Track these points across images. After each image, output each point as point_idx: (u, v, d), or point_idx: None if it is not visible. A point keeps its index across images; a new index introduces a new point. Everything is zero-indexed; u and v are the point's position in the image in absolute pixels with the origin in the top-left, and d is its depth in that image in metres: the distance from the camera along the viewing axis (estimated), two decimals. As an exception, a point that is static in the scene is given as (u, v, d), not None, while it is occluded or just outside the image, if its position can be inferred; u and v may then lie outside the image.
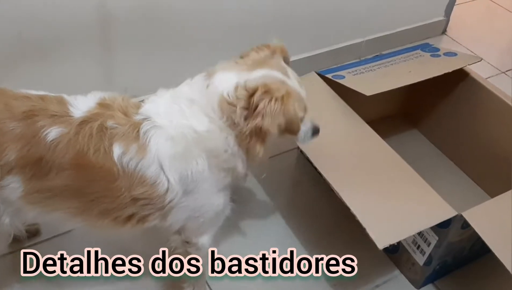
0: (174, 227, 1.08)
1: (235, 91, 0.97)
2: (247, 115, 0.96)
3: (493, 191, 1.40)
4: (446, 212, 1.14)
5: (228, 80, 0.99)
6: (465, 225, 1.13)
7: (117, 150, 0.96)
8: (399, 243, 1.27)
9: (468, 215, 1.12)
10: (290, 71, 1.06)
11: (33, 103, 0.98)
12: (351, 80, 1.42)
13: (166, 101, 1.03)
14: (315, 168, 1.22)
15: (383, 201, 1.16)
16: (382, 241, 1.06)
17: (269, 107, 0.94)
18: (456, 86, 1.56)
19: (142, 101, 1.05)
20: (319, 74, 1.46)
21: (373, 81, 1.42)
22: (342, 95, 1.40)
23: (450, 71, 1.44)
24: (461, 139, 1.61)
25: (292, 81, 1.04)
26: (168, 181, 0.98)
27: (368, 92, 1.33)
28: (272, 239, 1.37)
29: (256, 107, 0.95)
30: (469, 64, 1.50)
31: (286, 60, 1.10)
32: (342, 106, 1.37)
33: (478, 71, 1.58)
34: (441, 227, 1.17)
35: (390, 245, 1.07)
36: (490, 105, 1.48)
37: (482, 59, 1.55)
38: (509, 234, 1.13)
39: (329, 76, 1.45)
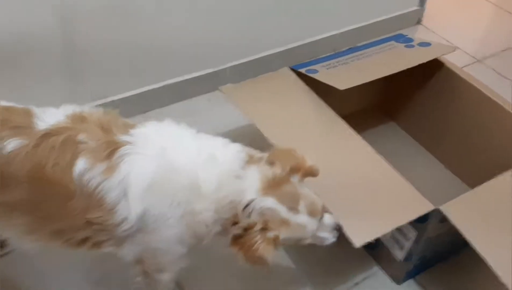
0: (130, 258, 1.00)
1: (244, 209, 0.92)
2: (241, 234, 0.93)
3: (472, 182, 1.38)
4: (423, 206, 1.12)
5: (250, 188, 0.93)
6: (444, 219, 1.11)
7: (80, 165, 0.89)
8: (378, 239, 1.24)
9: (446, 209, 1.10)
10: (303, 201, 0.97)
11: None
12: (324, 74, 1.39)
13: (176, 135, 0.96)
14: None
15: (360, 198, 1.14)
16: (359, 239, 1.04)
17: (261, 246, 0.91)
18: (431, 77, 1.54)
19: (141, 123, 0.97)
20: (292, 69, 1.43)
21: (347, 75, 1.40)
22: (316, 90, 1.37)
23: (425, 61, 1.41)
24: (438, 130, 1.59)
25: (301, 216, 0.96)
26: (128, 211, 0.90)
27: (341, 86, 1.30)
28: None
29: (250, 241, 0.91)
30: (443, 54, 1.48)
31: (314, 173, 1.02)
32: (316, 102, 1.34)
33: (454, 60, 1.56)
34: (419, 222, 1.15)
35: (368, 242, 1.05)
36: (466, 95, 1.46)
37: (456, 48, 1.53)
38: (488, 226, 1.11)
39: (302, 70, 1.41)
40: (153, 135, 0.95)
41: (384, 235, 1.23)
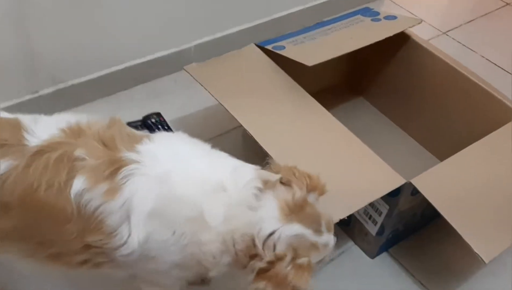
0: (130, 279, 0.93)
1: (266, 241, 0.82)
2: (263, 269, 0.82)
3: (441, 155, 1.40)
4: (395, 180, 1.11)
5: (269, 218, 0.83)
6: (415, 191, 1.11)
7: (77, 185, 0.79)
8: (351, 215, 1.24)
9: (417, 182, 1.10)
10: (324, 220, 0.89)
11: None
12: (292, 50, 1.36)
13: (185, 156, 0.86)
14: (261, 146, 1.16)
15: (331, 175, 1.11)
16: (333, 216, 1.03)
17: (296, 275, 0.82)
18: (398, 50, 1.53)
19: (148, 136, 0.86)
20: (258, 46, 1.39)
21: (315, 50, 1.37)
22: (283, 66, 1.34)
23: (391, 35, 1.40)
24: (406, 104, 1.59)
25: (325, 236, 0.88)
26: (129, 236, 0.82)
27: (309, 62, 1.28)
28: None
29: (281, 272, 0.82)
30: (409, 27, 1.47)
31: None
32: (284, 79, 1.31)
33: (419, 33, 1.55)
34: (391, 196, 1.15)
35: (341, 219, 1.04)
36: (432, 67, 1.46)
37: (422, 21, 1.53)
38: (458, 197, 1.12)
39: (269, 47, 1.38)
40: (162, 154, 0.85)
41: (357, 211, 1.22)
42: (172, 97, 1.65)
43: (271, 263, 0.82)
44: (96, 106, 1.59)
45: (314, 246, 0.86)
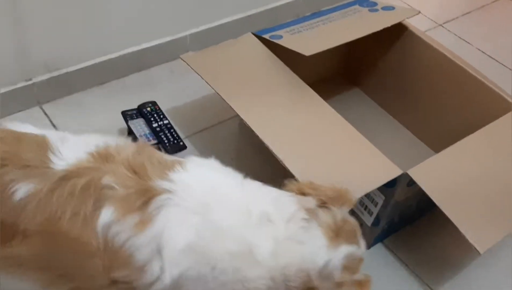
0: None
1: (322, 272, 0.79)
2: None
3: (436, 146, 1.40)
4: (391, 171, 1.11)
5: (318, 249, 0.80)
6: (411, 182, 1.11)
7: (105, 216, 0.74)
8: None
9: (414, 173, 1.10)
10: (357, 230, 0.87)
11: (7, 148, 0.77)
12: (289, 40, 1.35)
13: (222, 186, 0.81)
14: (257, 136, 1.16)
15: (328, 165, 1.13)
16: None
17: None
18: (395, 41, 1.53)
19: (179, 162, 0.81)
20: (255, 35, 1.38)
21: (312, 40, 1.36)
22: (280, 56, 1.33)
23: (389, 25, 1.40)
24: (402, 95, 1.59)
25: (362, 244, 0.88)
26: (162, 272, 0.76)
27: (307, 52, 1.27)
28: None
29: None
30: (407, 18, 1.47)
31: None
32: (281, 68, 1.30)
33: (415, 25, 1.55)
34: (387, 187, 1.15)
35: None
36: (429, 59, 1.46)
37: (420, 12, 1.52)
38: (453, 188, 1.12)
39: (266, 36, 1.37)
40: (196, 185, 0.80)
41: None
42: (167, 86, 1.63)
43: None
44: (90, 94, 1.58)
45: (361, 259, 0.86)
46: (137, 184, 0.76)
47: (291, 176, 1.06)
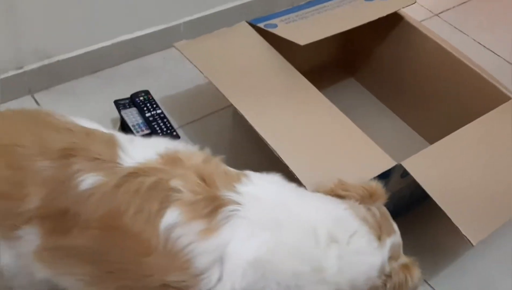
0: None
1: (380, 271, 0.85)
2: None
3: (431, 137, 1.39)
4: (385, 162, 1.11)
5: (377, 251, 0.85)
6: (405, 174, 1.11)
7: (170, 217, 0.74)
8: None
9: (407, 164, 1.10)
10: (389, 216, 0.94)
11: (75, 140, 0.78)
12: (284, 28, 1.34)
13: (290, 204, 0.82)
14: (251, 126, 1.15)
15: (322, 155, 1.12)
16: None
17: (412, 278, 0.89)
18: (391, 31, 1.52)
19: (244, 175, 0.82)
20: (250, 24, 1.37)
21: (307, 29, 1.35)
22: (275, 45, 1.32)
23: (384, 15, 1.38)
24: (397, 86, 1.58)
25: (397, 231, 0.93)
26: (219, 282, 0.74)
27: (302, 42, 1.26)
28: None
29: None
30: (403, 7, 1.46)
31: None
32: (276, 58, 1.29)
33: (411, 14, 1.54)
34: (381, 178, 1.13)
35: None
36: (425, 49, 1.45)
37: (416, 1, 1.51)
38: (447, 180, 1.12)
39: (261, 25, 1.35)
40: (264, 199, 0.80)
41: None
42: (161, 75, 1.62)
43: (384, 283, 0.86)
44: (82, 82, 1.56)
45: (400, 243, 0.92)
46: (206, 192, 0.77)
47: (285, 167, 1.06)
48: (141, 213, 0.74)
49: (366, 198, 0.90)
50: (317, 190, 0.94)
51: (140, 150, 0.80)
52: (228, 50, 1.31)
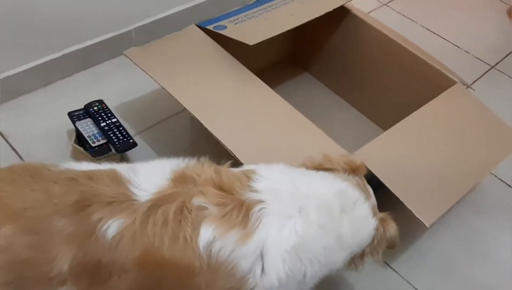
0: None
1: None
2: None
3: (386, 125, 1.43)
4: (338, 154, 1.14)
5: (370, 220, 0.92)
6: (359, 163, 1.14)
7: (206, 235, 0.75)
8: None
9: (360, 154, 1.12)
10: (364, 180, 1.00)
11: (82, 188, 0.76)
12: (233, 29, 1.35)
13: (307, 189, 0.86)
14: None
15: (277, 152, 1.14)
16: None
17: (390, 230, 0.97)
18: (339, 25, 1.55)
19: (252, 172, 0.85)
20: (199, 27, 1.37)
21: (256, 29, 1.36)
22: (227, 46, 1.33)
23: (331, 10, 1.41)
24: (350, 77, 1.62)
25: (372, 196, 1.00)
26: (263, 273, 0.79)
27: (251, 41, 1.27)
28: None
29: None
30: (349, 1, 1.49)
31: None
32: (226, 58, 1.30)
33: (361, 6, 1.57)
34: (337, 169, 1.17)
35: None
36: (372, 40, 1.49)
37: (361, -6, 1.55)
38: (400, 166, 1.16)
39: (210, 27, 1.36)
40: (282, 190, 0.84)
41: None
42: (115, 82, 1.61)
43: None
44: (35, 96, 1.53)
45: (375, 204, 0.98)
46: (230, 200, 0.79)
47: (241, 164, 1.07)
48: (176, 240, 0.75)
49: (350, 171, 0.96)
50: (304, 163, 0.98)
51: (147, 179, 0.80)
52: (178, 54, 1.31)
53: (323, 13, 1.40)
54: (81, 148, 1.33)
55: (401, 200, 1.08)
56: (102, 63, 1.65)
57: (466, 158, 1.22)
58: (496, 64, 1.91)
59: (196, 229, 0.76)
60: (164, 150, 1.45)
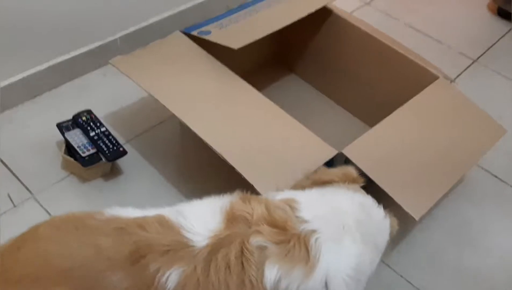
0: None
1: None
2: None
3: (373, 122, 1.45)
4: (327, 152, 1.15)
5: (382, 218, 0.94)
6: (348, 160, 1.16)
7: (271, 274, 0.75)
8: (290, 190, 1.28)
9: (348, 151, 1.15)
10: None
11: (134, 238, 0.73)
12: (217, 34, 1.36)
13: (345, 209, 0.87)
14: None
15: (266, 153, 1.15)
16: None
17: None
18: (322, 25, 1.57)
19: (293, 201, 0.85)
20: (184, 33, 1.38)
21: (240, 33, 1.38)
22: (213, 50, 1.34)
23: (313, 11, 1.43)
24: (335, 76, 1.64)
25: None
26: None
27: (236, 45, 1.29)
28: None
29: None
30: (331, 1, 1.51)
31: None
32: (212, 63, 1.31)
33: (343, 6, 1.60)
34: (327, 167, 1.19)
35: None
36: (355, 39, 1.51)
37: (342, -6, 1.57)
38: (387, 161, 1.18)
39: (194, 33, 1.37)
40: (327, 215, 0.85)
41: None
42: (102, 92, 1.61)
43: None
44: (22, 109, 1.53)
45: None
46: (289, 236, 0.79)
47: (232, 168, 1.08)
48: (242, 284, 0.74)
49: (349, 181, 0.98)
50: (299, 183, 0.99)
51: (199, 222, 0.78)
52: (164, 60, 1.32)
53: (305, 14, 1.42)
54: (71, 159, 1.33)
55: (390, 195, 1.09)
56: (88, 73, 1.66)
57: (452, 150, 1.24)
58: (478, 58, 1.94)
59: (259, 269, 0.75)
60: (155, 157, 1.46)
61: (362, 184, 1.00)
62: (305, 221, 0.81)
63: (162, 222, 0.77)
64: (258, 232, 0.78)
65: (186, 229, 0.76)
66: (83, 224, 0.76)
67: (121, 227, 0.75)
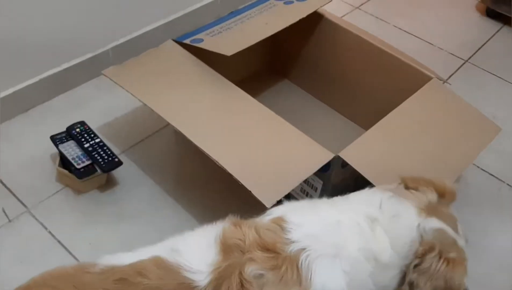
0: None
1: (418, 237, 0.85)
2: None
3: (367, 125, 1.45)
4: (324, 156, 1.15)
5: (411, 216, 0.86)
6: (344, 164, 1.16)
7: None
8: (287, 195, 1.27)
9: (345, 154, 1.14)
10: (460, 225, 0.92)
11: (138, 288, 0.73)
12: (210, 42, 1.36)
13: (329, 218, 0.86)
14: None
15: (262, 159, 1.15)
16: (268, 199, 1.05)
17: (449, 271, 0.84)
18: (313, 30, 1.58)
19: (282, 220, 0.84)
20: (176, 41, 1.38)
21: (232, 40, 1.38)
22: (206, 58, 1.34)
23: (304, 16, 1.44)
24: (328, 81, 1.64)
25: (461, 240, 0.90)
26: None
27: (228, 52, 1.29)
28: (166, 224, 1.31)
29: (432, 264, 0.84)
30: (321, 6, 1.51)
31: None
32: (205, 71, 1.31)
33: (334, 11, 1.60)
34: (323, 171, 1.19)
35: (278, 201, 1.07)
36: (347, 43, 1.52)
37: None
38: (383, 163, 1.18)
39: (187, 41, 1.37)
40: (316, 231, 0.83)
41: (293, 191, 1.26)
42: (96, 103, 1.60)
43: (423, 255, 0.84)
44: (15, 123, 1.52)
45: (456, 245, 0.87)
46: (280, 260, 0.78)
47: (229, 174, 1.08)
48: None
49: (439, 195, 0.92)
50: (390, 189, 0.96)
51: (196, 257, 0.78)
52: (157, 70, 1.32)
53: (297, 20, 1.43)
54: (66, 171, 1.32)
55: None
56: (80, 85, 1.65)
57: (448, 150, 1.25)
58: (469, 58, 1.95)
59: None
60: (150, 167, 1.45)
61: (453, 201, 0.95)
62: (294, 241, 0.81)
63: (160, 265, 0.76)
64: (252, 260, 0.78)
65: (186, 269, 0.76)
66: (80, 280, 0.74)
67: (122, 278, 0.74)
